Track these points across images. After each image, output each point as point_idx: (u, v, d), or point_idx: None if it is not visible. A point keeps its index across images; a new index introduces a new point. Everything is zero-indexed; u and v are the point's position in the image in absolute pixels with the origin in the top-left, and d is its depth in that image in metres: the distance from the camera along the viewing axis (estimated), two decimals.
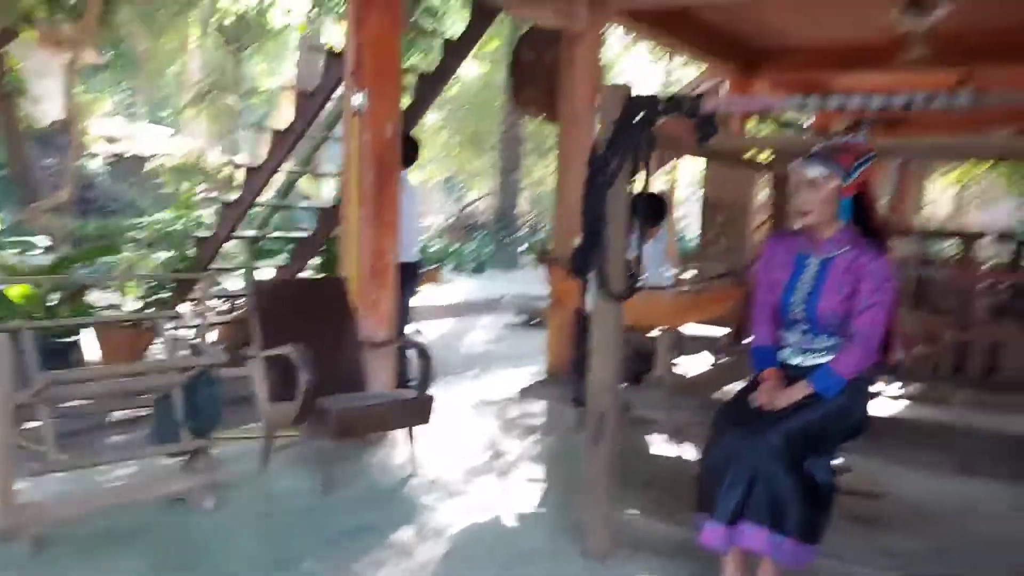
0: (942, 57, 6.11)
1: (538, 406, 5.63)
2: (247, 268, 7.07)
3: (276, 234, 7.49)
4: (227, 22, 17.04)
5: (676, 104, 3.06)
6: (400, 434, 4.48)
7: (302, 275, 6.54)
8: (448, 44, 6.41)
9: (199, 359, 3.72)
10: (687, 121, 3.08)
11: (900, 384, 5.41)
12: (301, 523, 3.56)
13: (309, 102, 6.32)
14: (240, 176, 7.63)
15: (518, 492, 4.02)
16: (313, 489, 3.88)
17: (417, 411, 4.15)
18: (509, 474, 4.29)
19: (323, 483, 3.87)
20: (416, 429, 4.24)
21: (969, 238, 7.06)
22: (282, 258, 7.34)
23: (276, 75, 22.29)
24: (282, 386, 3.96)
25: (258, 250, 7.43)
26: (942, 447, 3.52)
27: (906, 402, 5.32)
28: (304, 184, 12.75)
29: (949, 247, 8.66)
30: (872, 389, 3.16)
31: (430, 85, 6.45)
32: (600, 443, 3.23)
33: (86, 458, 3.83)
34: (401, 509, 3.77)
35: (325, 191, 13.61)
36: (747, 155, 4.63)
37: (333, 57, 6.08)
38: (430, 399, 4.18)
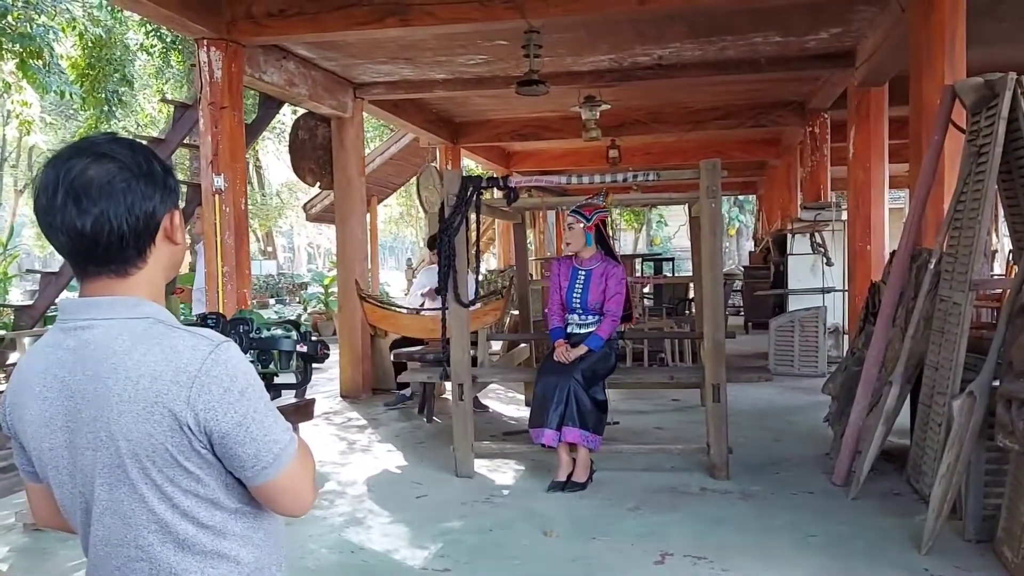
0: (601, 130, 8.72)
1: (355, 413, 7.15)
2: None
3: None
4: None
5: (494, 181, 4.95)
6: None
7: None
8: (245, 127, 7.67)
9: None
10: (500, 191, 4.99)
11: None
12: None
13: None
14: None
15: (385, 458, 5.59)
16: None
17: (305, 411, 5.52)
18: (370, 451, 5.82)
19: None
20: (301, 425, 5.60)
21: (630, 258, 9.89)
22: None
23: None
24: None
25: None
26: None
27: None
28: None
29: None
30: (618, 344, 5.29)
31: None
32: (462, 401, 4.97)
33: None
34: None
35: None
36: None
37: (183, 108, 6.91)
38: (313, 401, 5.57)
